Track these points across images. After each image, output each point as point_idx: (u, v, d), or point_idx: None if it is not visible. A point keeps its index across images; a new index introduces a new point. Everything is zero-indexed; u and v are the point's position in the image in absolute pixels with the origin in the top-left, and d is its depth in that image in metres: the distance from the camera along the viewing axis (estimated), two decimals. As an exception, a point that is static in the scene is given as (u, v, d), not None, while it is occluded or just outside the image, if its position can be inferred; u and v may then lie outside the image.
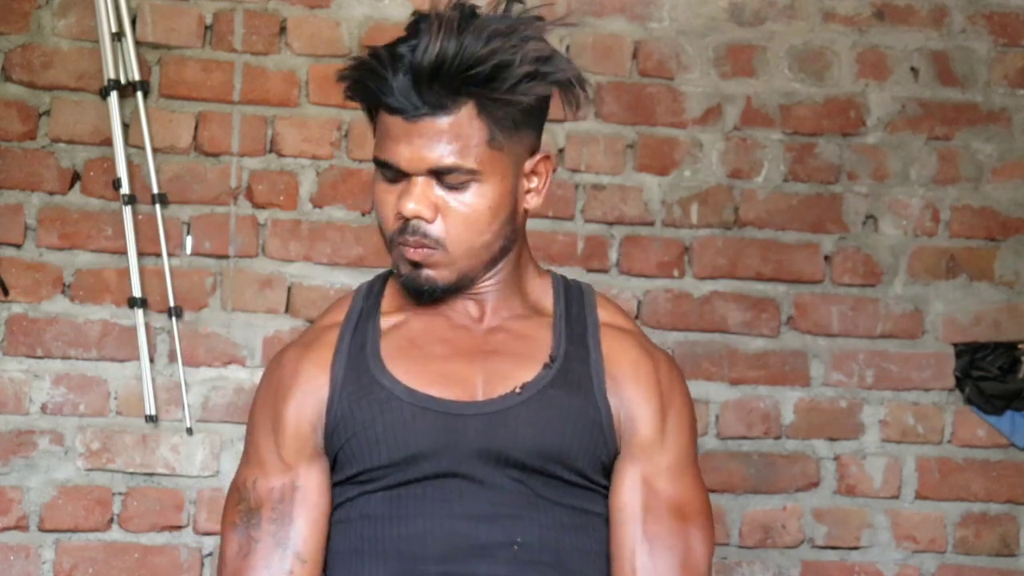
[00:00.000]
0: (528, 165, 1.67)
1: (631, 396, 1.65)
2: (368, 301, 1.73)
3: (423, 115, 1.59)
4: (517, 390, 1.62)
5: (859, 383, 3.00)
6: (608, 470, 1.65)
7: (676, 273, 3.00)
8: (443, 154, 1.60)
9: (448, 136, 1.60)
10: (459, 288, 1.66)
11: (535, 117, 1.67)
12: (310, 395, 1.65)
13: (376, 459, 1.60)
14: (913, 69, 3.10)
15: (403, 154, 1.61)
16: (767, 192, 3.04)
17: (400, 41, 1.62)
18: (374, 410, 1.60)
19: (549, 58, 1.61)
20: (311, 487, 1.64)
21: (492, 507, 1.58)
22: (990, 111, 3.09)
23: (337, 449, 1.63)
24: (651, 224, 3.00)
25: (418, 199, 1.61)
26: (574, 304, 1.72)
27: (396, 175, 1.63)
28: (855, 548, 2.96)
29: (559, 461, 1.60)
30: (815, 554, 2.95)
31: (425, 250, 1.62)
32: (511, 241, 1.68)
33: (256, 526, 1.63)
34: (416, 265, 1.64)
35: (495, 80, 1.58)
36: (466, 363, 1.64)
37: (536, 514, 1.59)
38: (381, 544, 1.59)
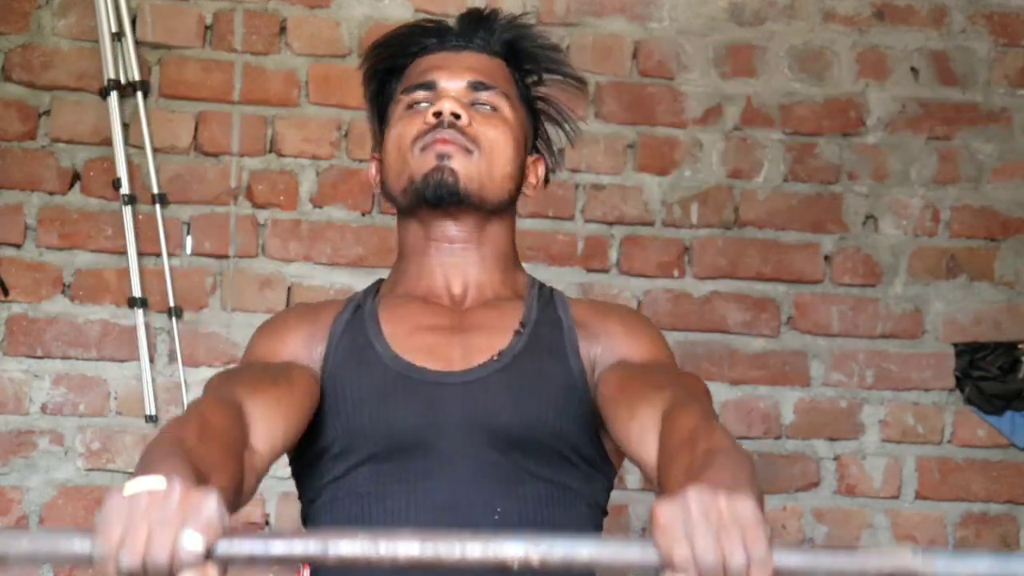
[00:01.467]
0: (529, 159, 1.77)
1: (599, 329, 1.68)
2: (365, 294, 1.76)
3: (467, 48, 1.73)
4: (495, 357, 1.63)
5: (859, 383, 3.00)
6: (588, 435, 1.64)
7: (676, 273, 3.00)
8: (482, 73, 1.71)
9: (487, 66, 1.72)
10: (469, 205, 1.67)
11: (534, 116, 1.78)
12: (313, 337, 1.67)
13: (356, 420, 1.60)
14: (913, 69, 3.10)
15: (442, 73, 1.70)
16: (767, 192, 3.03)
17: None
18: (363, 369, 1.63)
19: (565, 60, 1.80)
20: (294, 375, 1.62)
21: (473, 478, 1.57)
22: (990, 111, 3.09)
23: (326, 403, 1.63)
24: (651, 224, 3.00)
25: (455, 102, 1.67)
26: (545, 290, 1.76)
27: (427, 96, 1.69)
28: (855, 548, 2.96)
29: (537, 425, 1.60)
30: (815, 554, 2.95)
31: (459, 147, 1.65)
32: (513, 200, 1.73)
33: (234, 371, 1.64)
34: (442, 158, 1.65)
35: (526, 42, 1.75)
36: (446, 336, 1.66)
37: (516, 486, 1.58)
38: (366, 520, 1.58)
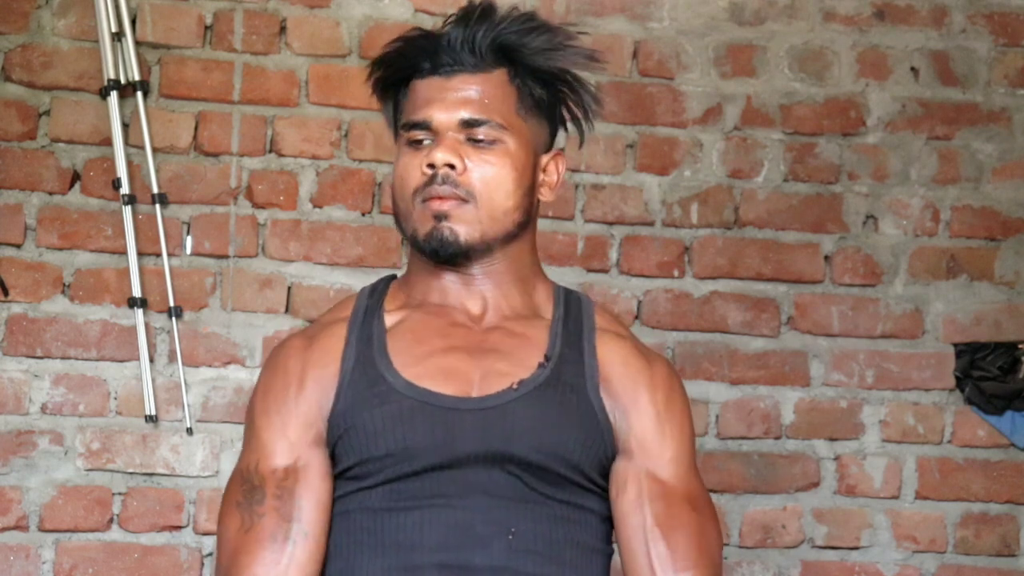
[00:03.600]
0: (545, 159, 1.76)
1: (625, 396, 1.68)
2: (372, 299, 1.75)
3: (459, 71, 1.69)
4: (514, 386, 1.64)
5: (859, 383, 3.00)
6: (604, 469, 1.66)
7: (676, 273, 3.00)
8: (476, 107, 1.68)
9: (481, 92, 1.69)
10: (475, 252, 1.69)
11: (551, 109, 1.76)
12: (320, 382, 1.67)
13: (374, 450, 1.62)
14: (913, 69, 3.10)
15: (436, 109, 1.68)
16: (767, 192, 3.03)
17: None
18: (376, 402, 1.63)
19: (571, 37, 1.74)
20: (315, 469, 1.64)
21: (487, 499, 1.60)
22: (990, 111, 3.09)
23: (336, 439, 1.64)
24: (651, 224, 3.00)
25: (448, 149, 1.67)
26: (572, 309, 1.76)
27: (425, 135, 1.69)
28: (855, 548, 2.96)
29: (554, 456, 1.62)
30: (815, 554, 2.95)
31: (454, 201, 1.66)
32: (526, 221, 1.74)
33: (260, 502, 1.63)
34: (440, 218, 1.67)
35: (526, 46, 1.70)
36: (464, 359, 1.66)
37: (530, 507, 1.61)
38: (379, 535, 1.61)
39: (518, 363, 1.66)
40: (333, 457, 1.65)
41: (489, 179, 1.67)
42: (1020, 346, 3.02)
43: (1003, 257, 3.05)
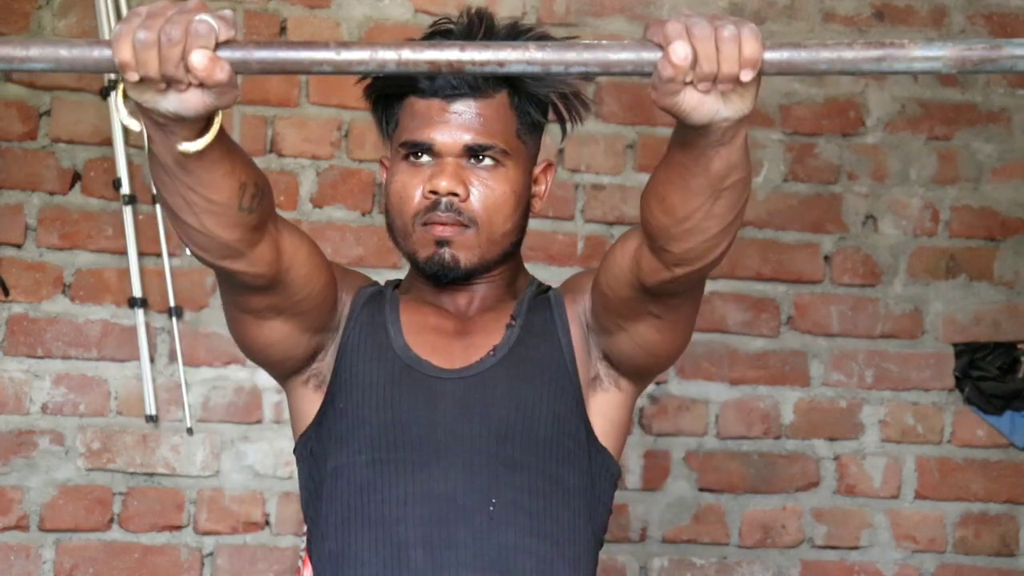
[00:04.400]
0: (536, 171, 1.78)
1: (584, 285, 1.71)
2: (384, 285, 1.82)
3: (462, 95, 1.68)
4: (491, 352, 1.68)
5: (859, 383, 3.00)
6: (579, 409, 1.69)
7: (676, 273, 2.99)
8: (479, 132, 1.68)
9: (484, 117, 1.68)
10: (475, 275, 1.72)
11: (542, 123, 1.77)
12: (342, 286, 1.72)
13: (365, 407, 1.66)
14: (913, 69, 3.09)
15: (439, 133, 1.68)
16: (767, 192, 3.04)
17: (431, 37, 1.73)
18: (375, 352, 1.69)
19: None
20: (322, 254, 1.69)
21: (469, 470, 1.62)
22: (990, 111, 3.09)
23: (339, 378, 1.69)
24: (651, 224, 3.00)
25: (452, 176, 1.67)
26: (542, 287, 1.80)
27: (426, 156, 1.69)
28: (855, 548, 2.97)
29: (532, 414, 1.65)
30: (815, 554, 2.95)
31: (456, 227, 1.68)
32: (520, 238, 1.77)
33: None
34: (441, 244, 1.69)
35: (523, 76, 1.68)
36: (449, 339, 1.72)
37: (511, 478, 1.63)
38: (366, 511, 1.63)
39: (492, 333, 1.71)
40: (328, 399, 1.69)
41: (490, 204, 1.69)
42: (1019, 346, 3.02)
43: (1002, 257, 3.06)
